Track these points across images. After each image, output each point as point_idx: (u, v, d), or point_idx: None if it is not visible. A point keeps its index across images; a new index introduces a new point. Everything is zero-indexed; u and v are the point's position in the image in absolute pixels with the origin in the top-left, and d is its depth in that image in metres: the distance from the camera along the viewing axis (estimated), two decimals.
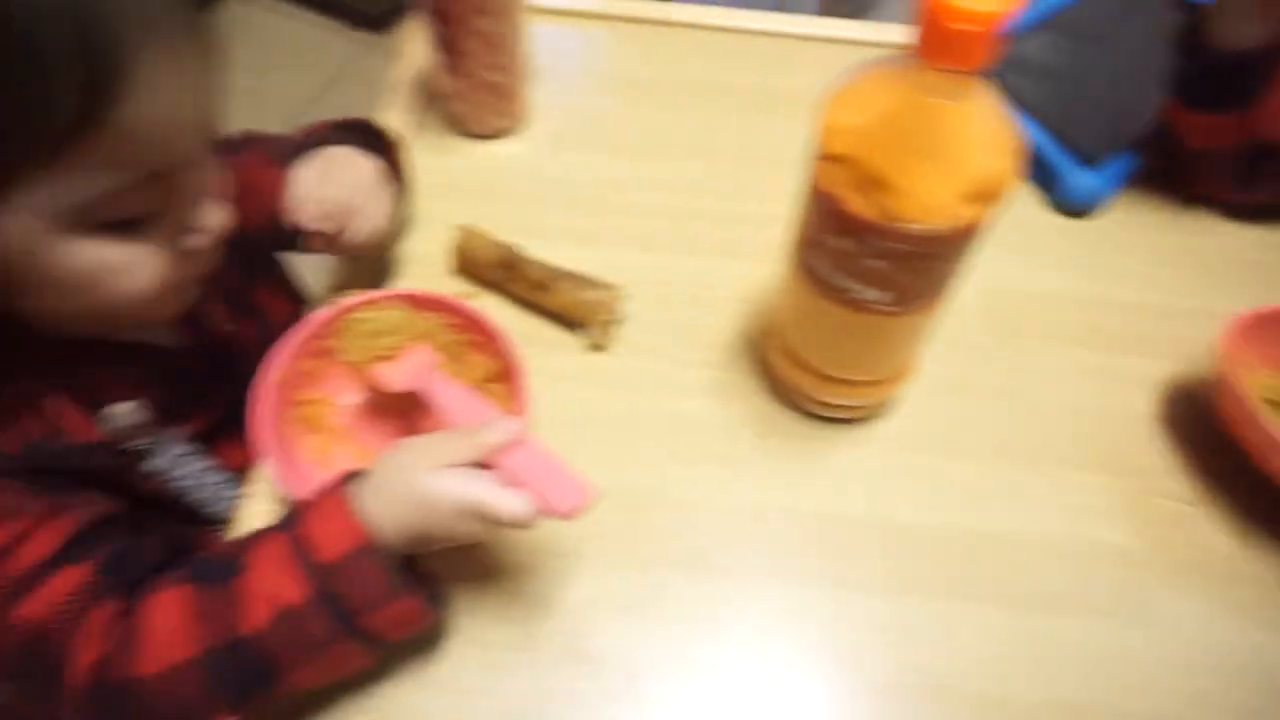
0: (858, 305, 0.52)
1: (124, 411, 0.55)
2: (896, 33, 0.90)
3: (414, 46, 0.87)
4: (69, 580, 0.44)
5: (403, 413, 0.63)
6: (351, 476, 0.47)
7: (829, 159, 0.46)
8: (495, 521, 0.45)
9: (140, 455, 0.56)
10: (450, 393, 0.55)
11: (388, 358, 0.60)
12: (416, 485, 0.45)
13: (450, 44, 0.71)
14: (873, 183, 0.44)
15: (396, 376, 0.58)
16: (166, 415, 0.58)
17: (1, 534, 0.44)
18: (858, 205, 0.45)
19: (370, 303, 0.61)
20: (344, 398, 0.63)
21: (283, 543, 0.45)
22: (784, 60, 0.90)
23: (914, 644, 0.55)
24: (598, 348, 0.67)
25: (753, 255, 0.72)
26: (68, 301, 0.46)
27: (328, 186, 0.61)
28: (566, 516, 0.45)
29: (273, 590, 0.44)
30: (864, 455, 0.63)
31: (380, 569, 0.44)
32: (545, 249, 0.69)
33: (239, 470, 0.64)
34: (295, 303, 0.74)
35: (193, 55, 0.44)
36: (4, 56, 0.36)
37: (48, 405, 0.50)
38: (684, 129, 0.83)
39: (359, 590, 0.44)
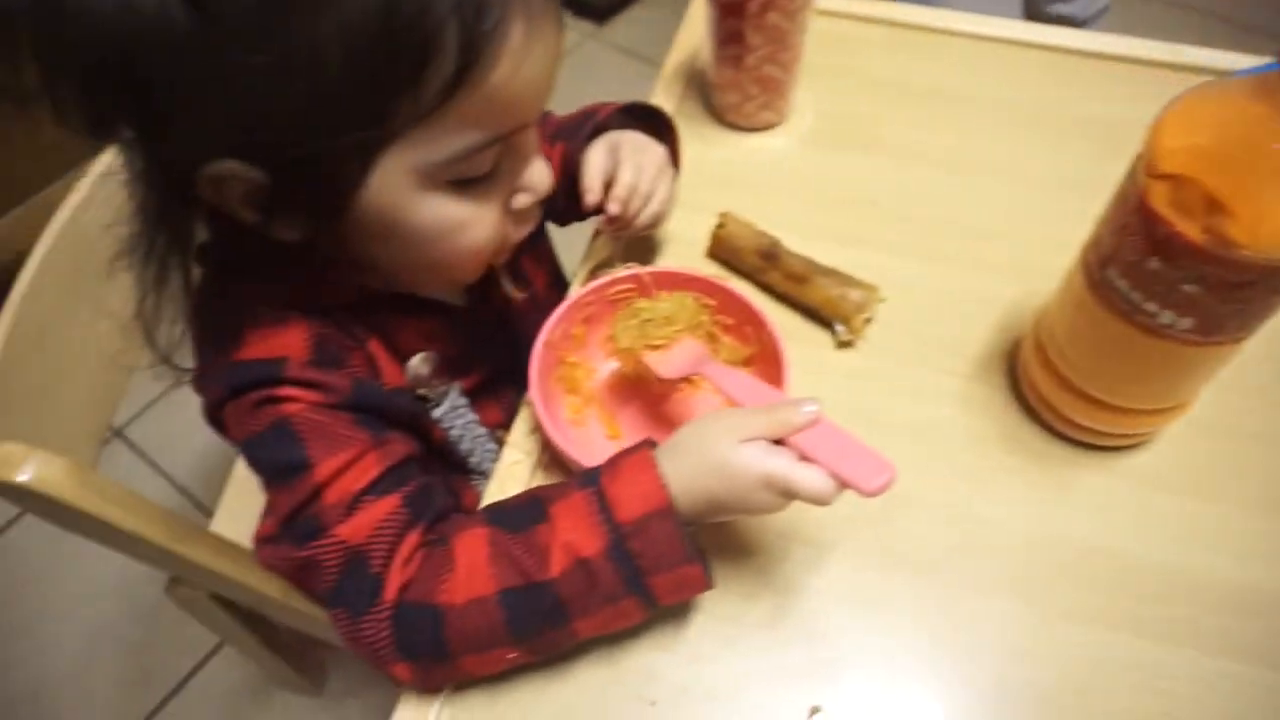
0: (1154, 330, 0.50)
1: (419, 361, 0.60)
2: (1194, 55, 0.86)
3: (687, 35, 0.91)
4: (383, 508, 0.49)
5: (648, 388, 0.66)
6: (651, 444, 0.50)
7: (1161, 178, 0.45)
8: (795, 496, 0.46)
9: (429, 403, 0.62)
10: (731, 376, 0.57)
11: (657, 347, 0.62)
12: (719, 455, 0.47)
13: (734, 35, 0.72)
14: (1210, 206, 0.42)
15: (669, 365, 0.61)
16: (450, 369, 0.63)
17: (337, 459, 0.49)
18: (1188, 228, 0.44)
19: (622, 283, 0.64)
20: (601, 364, 0.66)
21: (586, 498, 0.48)
22: (1056, 77, 0.86)
23: (1155, 694, 0.52)
24: (845, 345, 0.68)
25: (1011, 270, 0.71)
26: (412, 252, 0.51)
27: (624, 171, 0.64)
28: (872, 493, 0.45)
29: (572, 541, 0.47)
30: (1114, 485, 0.61)
31: (675, 532, 0.46)
32: (797, 244, 0.70)
33: (494, 427, 0.68)
34: (554, 272, 0.79)
35: (552, 20, 0.46)
36: (394, 23, 0.39)
37: (371, 349, 0.55)
38: (948, 140, 0.81)
39: (652, 550, 0.46)
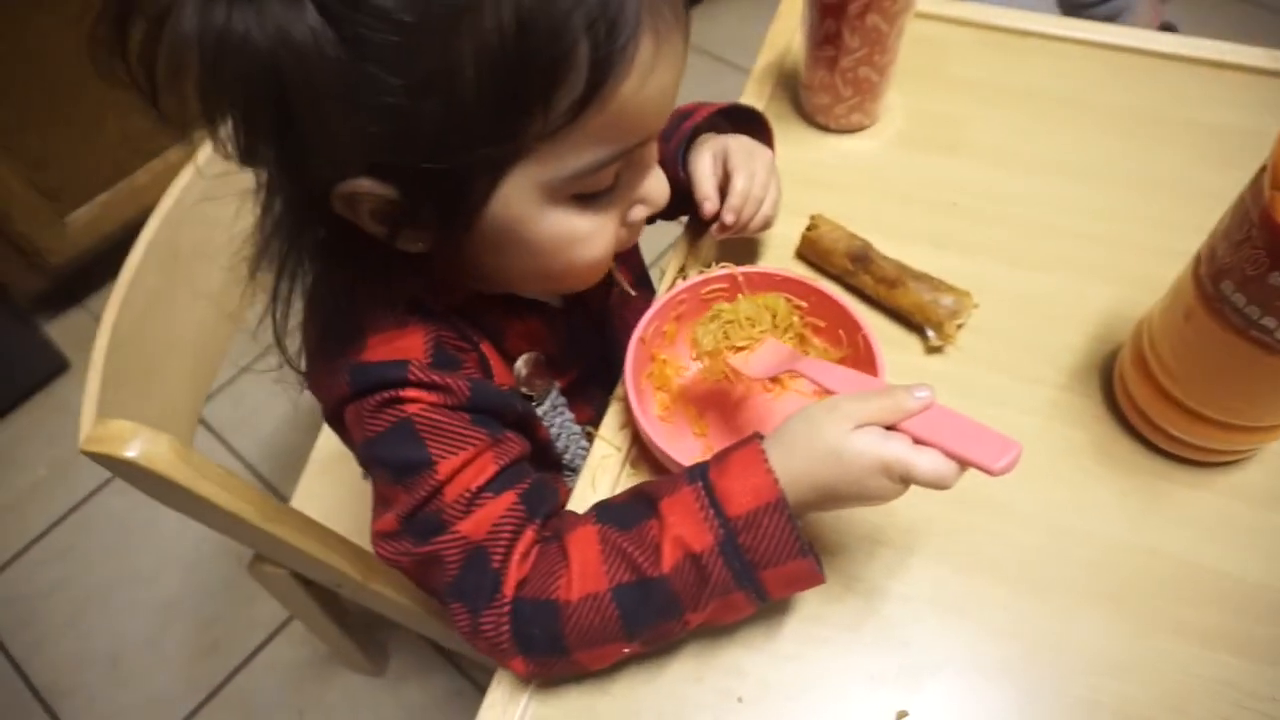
0: (1270, 346, 0.49)
1: (523, 361, 0.61)
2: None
3: (776, 34, 0.90)
4: (500, 505, 0.50)
5: (735, 388, 0.66)
6: (759, 436, 0.50)
7: None
8: (913, 481, 0.46)
9: (534, 402, 0.63)
10: (828, 370, 0.57)
11: (741, 349, 0.62)
12: (832, 443, 0.46)
13: (831, 37, 0.72)
14: None
15: (756, 366, 0.61)
16: (551, 368, 0.64)
17: (457, 458, 0.50)
18: None
19: (715, 282, 0.64)
20: (691, 362, 0.67)
21: (695, 493, 0.48)
22: (1150, 81, 0.85)
23: (1255, 715, 0.51)
24: (935, 350, 0.67)
25: (1107, 278, 0.70)
26: (531, 263, 0.52)
27: (739, 178, 0.65)
28: (999, 472, 0.44)
29: (682, 536, 0.47)
30: (1211, 501, 0.59)
31: (786, 526, 0.46)
32: (888, 247, 0.70)
33: (583, 425, 0.69)
34: (640, 271, 0.79)
35: (680, 31, 0.46)
36: (528, 43, 0.40)
37: (483, 351, 0.57)
38: (1042, 144, 0.80)
39: (763, 545, 0.46)
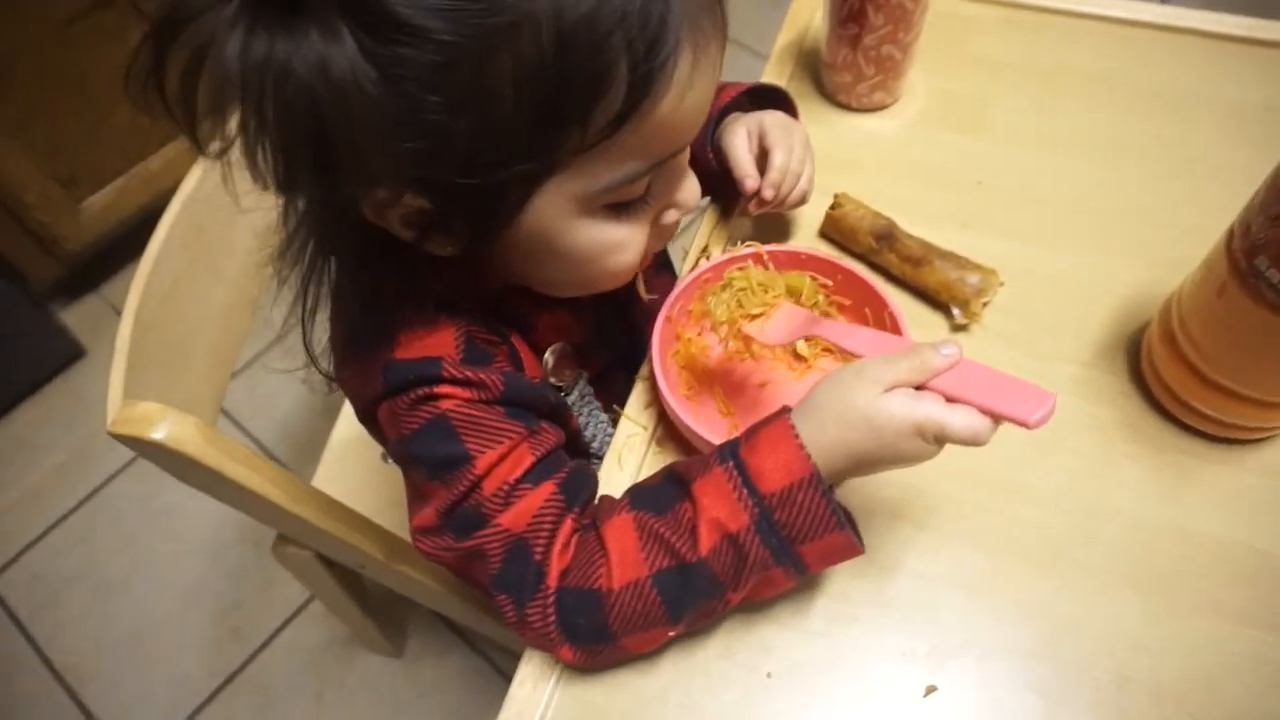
0: None
1: (551, 352, 0.61)
2: None
3: (796, 13, 0.90)
4: (539, 496, 0.51)
5: (759, 363, 0.66)
6: (787, 409, 0.49)
7: None
8: (949, 439, 0.45)
9: (564, 392, 0.63)
10: (850, 332, 0.56)
11: (755, 316, 0.62)
12: (862, 408, 0.46)
13: (855, 14, 0.72)
14: None
15: (772, 333, 0.60)
16: (578, 357, 0.64)
17: (494, 452, 0.50)
18: None
19: (740, 261, 0.64)
20: (716, 342, 0.66)
21: (727, 473, 0.48)
22: (1179, 58, 0.84)
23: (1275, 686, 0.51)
24: (960, 329, 0.67)
25: (1134, 256, 0.69)
26: (563, 270, 0.52)
27: (777, 154, 0.65)
28: (1036, 425, 0.43)
29: (718, 517, 0.47)
30: (1240, 479, 0.59)
31: (821, 500, 0.46)
32: (912, 226, 0.69)
33: (610, 411, 0.70)
34: (663, 258, 0.79)
35: (717, 44, 0.46)
36: (567, 61, 0.40)
37: (513, 343, 0.57)
38: (1066, 122, 0.80)
39: (799, 520, 0.46)
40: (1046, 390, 0.44)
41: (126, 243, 1.66)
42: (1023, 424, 0.43)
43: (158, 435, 0.59)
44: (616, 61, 0.40)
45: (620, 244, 0.51)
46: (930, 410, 0.45)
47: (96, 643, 1.36)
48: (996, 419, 0.45)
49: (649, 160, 0.47)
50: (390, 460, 0.67)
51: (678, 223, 0.56)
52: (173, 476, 0.65)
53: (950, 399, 0.46)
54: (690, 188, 0.53)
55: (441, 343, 0.52)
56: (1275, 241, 0.48)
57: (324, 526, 0.72)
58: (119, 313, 1.67)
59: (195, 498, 0.69)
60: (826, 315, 0.64)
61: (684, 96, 0.44)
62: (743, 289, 0.62)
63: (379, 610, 1.18)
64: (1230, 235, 0.54)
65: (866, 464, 0.47)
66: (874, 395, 0.46)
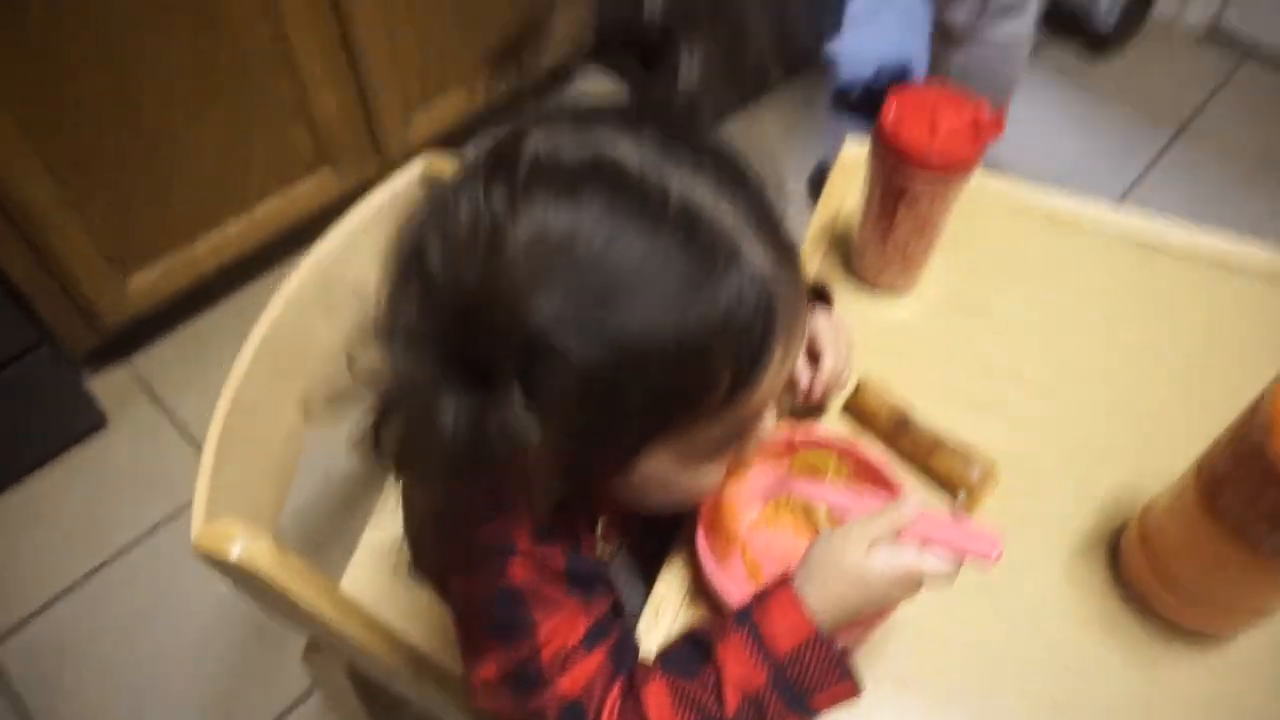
0: (1268, 553, 0.56)
1: (604, 522, 0.68)
2: None
3: (832, 194, 0.97)
4: (593, 662, 0.57)
5: (784, 528, 0.73)
6: (789, 578, 0.57)
7: None
8: (923, 581, 0.55)
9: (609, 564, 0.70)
10: (831, 490, 0.67)
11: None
12: (855, 568, 0.55)
13: (887, 213, 0.80)
14: None
15: (748, 494, 0.70)
16: (622, 525, 0.71)
17: (555, 620, 0.57)
18: None
19: (788, 447, 0.72)
20: (746, 509, 0.74)
21: (744, 639, 0.56)
22: (1169, 274, 0.91)
23: None
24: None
25: (1129, 456, 0.77)
26: (658, 502, 0.60)
27: (828, 358, 0.73)
28: (994, 561, 0.53)
29: (739, 679, 0.55)
30: (1210, 680, 0.66)
31: (828, 656, 0.54)
32: (920, 401, 0.77)
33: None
34: None
35: (801, 321, 0.54)
36: (682, 372, 0.48)
37: (576, 525, 0.63)
38: (1067, 321, 0.87)
39: (809, 675, 0.54)
40: (994, 532, 0.54)
41: (161, 318, 1.72)
42: (984, 559, 0.54)
43: (234, 555, 0.65)
44: (722, 370, 0.49)
45: (709, 483, 0.60)
46: (909, 560, 0.55)
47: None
48: (960, 557, 0.55)
49: (744, 424, 0.56)
50: (423, 582, 0.73)
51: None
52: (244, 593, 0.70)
53: (925, 542, 0.56)
54: (770, 422, 0.60)
55: (517, 524, 0.58)
56: (1240, 476, 0.56)
57: (362, 642, 0.76)
58: (146, 385, 1.68)
59: (203, 580, 0.71)
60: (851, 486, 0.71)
61: (777, 375, 0.53)
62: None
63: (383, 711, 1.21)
64: (1201, 465, 0.61)
65: (859, 613, 0.56)
66: (861, 554, 0.55)
